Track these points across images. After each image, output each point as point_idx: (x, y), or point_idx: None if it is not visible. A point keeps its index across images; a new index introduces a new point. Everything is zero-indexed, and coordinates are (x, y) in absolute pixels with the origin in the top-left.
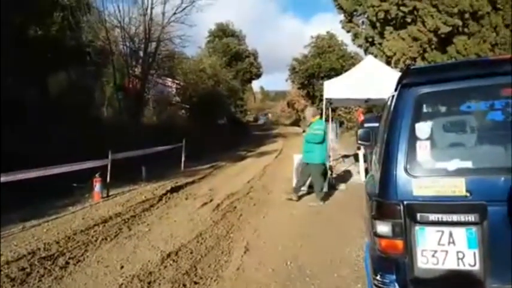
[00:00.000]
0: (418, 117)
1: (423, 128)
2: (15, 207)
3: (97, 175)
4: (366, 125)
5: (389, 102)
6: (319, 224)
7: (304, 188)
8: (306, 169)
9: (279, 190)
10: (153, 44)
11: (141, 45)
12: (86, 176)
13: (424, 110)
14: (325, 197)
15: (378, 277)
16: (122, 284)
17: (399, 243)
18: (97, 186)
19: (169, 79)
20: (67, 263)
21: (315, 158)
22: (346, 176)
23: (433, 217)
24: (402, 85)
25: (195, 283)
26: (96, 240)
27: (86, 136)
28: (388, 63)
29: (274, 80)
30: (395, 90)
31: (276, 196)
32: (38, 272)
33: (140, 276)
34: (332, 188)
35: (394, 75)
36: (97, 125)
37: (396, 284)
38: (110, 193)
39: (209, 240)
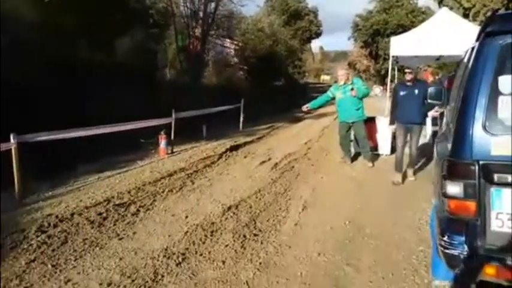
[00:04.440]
0: (503, 69)
1: (508, 82)
2: (92, 159)
3: (162, 132)
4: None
5: (467, 56)
6: (380, 186)
7: (352, 149)
8: (347, 130)
9: (337, 152)
10: (212, 4)
11: (201, 6)
12: (152, 133)
13: (510, 61)
14: (388, 160)
15: (446, 238)
16: (187, 231)
17: (471, 204)
18: (162, 143)
19: (228, 40)
20: (138, 210)
21: (361, 114)
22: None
23: None
24: (486, 33)
25: (255, 235)
26: (163, 192)
27: (152, 96)
28: (466, 16)
29: (334, 41)
30: (477, 39)
31: (334, 157)
32: (113, 217)
33: (203, 226)
34: (395, 151)
35: (473, 29)
36: (161, 86)
37: (465, 246)
38: (174, 149)
39: (267, 196)
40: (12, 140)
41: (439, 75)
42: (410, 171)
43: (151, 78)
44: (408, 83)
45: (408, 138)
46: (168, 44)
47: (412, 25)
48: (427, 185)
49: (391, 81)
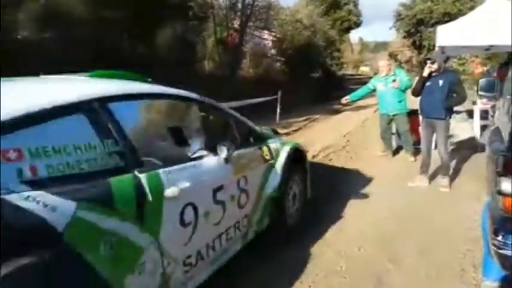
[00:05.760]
0: None
1: None
2: None
3: None
4: None
5: None
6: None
7: (394, 143)
8: (388, 123)
9: (378, 145)
10: None
11: None
12: None
13: None
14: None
15: (500, 238)
16: None
17: None
18: None
19: (266, 31)
20: None
21: (404, 107)
22: (455, 133)
23: None
24: None
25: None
26: None
27: (190, 87)
28: None
29: (374, 31)
30: None
31: (374, 151)
32: None
33: None
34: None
35: None
36: (200, 77)
37: None
38: None
39: None
40: None
41: (487, 66)
42: (444, 180)
43: (190, 70)
44: (433, 73)
45: (434, 137)
46: (206, 36)
47: (459, 13)
48: (475, 181)
49: None
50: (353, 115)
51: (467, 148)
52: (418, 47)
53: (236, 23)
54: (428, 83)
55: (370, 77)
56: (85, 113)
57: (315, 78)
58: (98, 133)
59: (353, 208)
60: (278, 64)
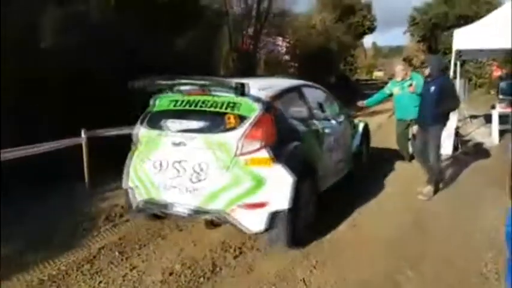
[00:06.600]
0: None
1: None
2: None
3: None
4: None
5: None
6: (442, 187)
7: (411, 148)
8: (405, 128)
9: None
10: (266, 3)
11: (254, 4)
12: None
13: None
14: (450, 161)
15: None
16: None
17: None
18: None
19: (280, 38)
20: None
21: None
22: (473, 138)
23: None
24: None
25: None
26: None
27: None
28: None
29: (388, 37)
30: None
31: (390, 157)
32: None
33: None
34: (456, 150)
35: None
36: None
37: None
38: None
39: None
40: (82, 135)
41: (506, 70)
42: (426, 189)
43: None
44: (427, 79)
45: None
46: (221, 43)
47: (476, 17)
48: (493, 186)
49: (454, 77)
50: (368, 120)
51: (487, 153)
52: (433, 51)
53: (251, 30)
54: (423, 90)
55: (385, 82)
56: (296, 91)
57: (330, 84)
58: (302, 100)
59: (368, 215)
60: (292, 70)
